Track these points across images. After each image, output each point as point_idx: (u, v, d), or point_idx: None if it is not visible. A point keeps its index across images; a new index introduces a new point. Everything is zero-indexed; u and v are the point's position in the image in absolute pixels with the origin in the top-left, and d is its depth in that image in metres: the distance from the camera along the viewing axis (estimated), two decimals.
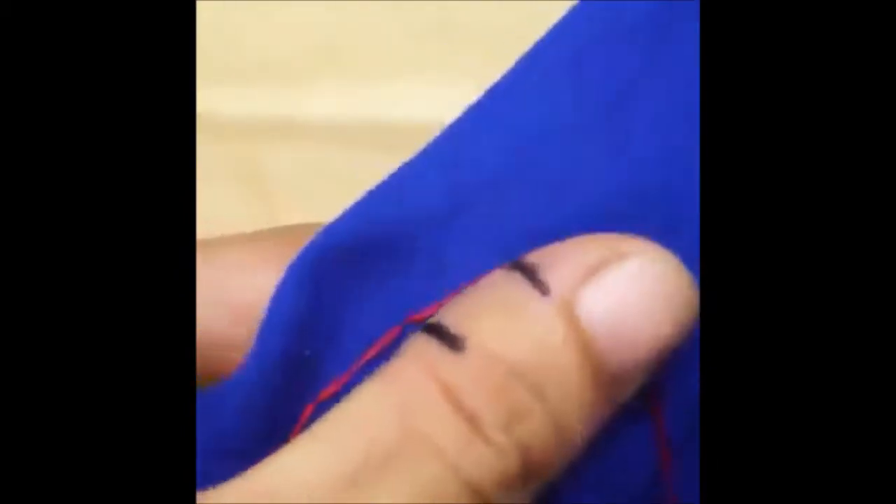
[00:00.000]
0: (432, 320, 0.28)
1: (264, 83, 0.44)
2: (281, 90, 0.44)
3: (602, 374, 0.27)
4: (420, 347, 0.27)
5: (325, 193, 0.34)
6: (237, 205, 0.40)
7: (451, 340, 0.27)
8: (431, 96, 0.42)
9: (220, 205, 0.38)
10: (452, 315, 0.28)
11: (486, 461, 0.26)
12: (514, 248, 0.28)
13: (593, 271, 0.27)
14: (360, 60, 0.47)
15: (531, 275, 0.27)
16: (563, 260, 0.28)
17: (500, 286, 0.28)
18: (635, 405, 0.28)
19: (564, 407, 0.27)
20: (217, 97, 0.40)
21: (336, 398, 0.27)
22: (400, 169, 0.29)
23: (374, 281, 0.28)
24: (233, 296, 0.30)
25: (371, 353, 0.28)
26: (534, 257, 0.28)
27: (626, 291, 0.27)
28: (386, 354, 0.28)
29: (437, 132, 0.30)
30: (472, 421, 0.26)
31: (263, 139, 0.41)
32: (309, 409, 0.28)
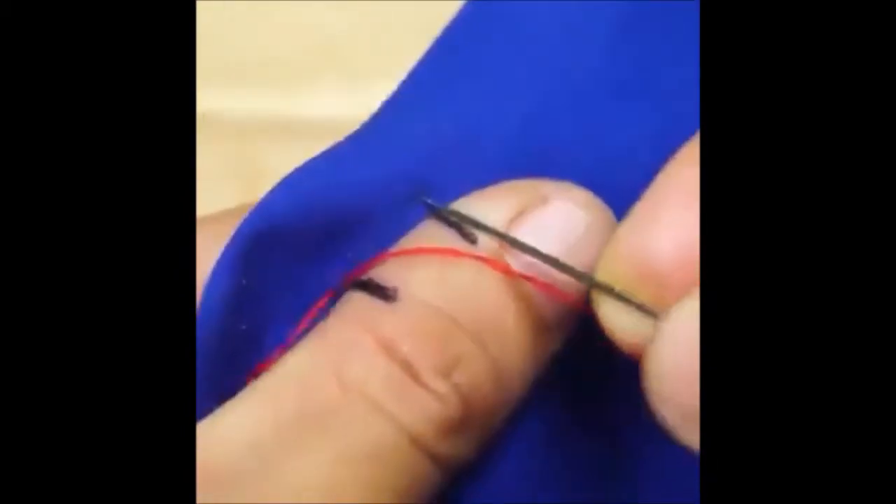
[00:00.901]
0: (364, 276, 0.28)
1: (264, 83, 0.44)
2: (281, 90, 0.44)
3: (534, 314, 0.27)
4: (353, 303, 0.27)
5: None
6: (236, 205, 0.40)
7: (383, 292, 0.27)
8: None
9: (220, 204, 0.38)
10: (383, 269, 0.28)
11: (424, 408, 0.26)
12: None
13: (519, 215, 0.27)
14: (360, 60, 0.47)
15: (458, 225, 0.28)
16: (488, 207, 0.28)
17: (428, 238, 0.28)
18: None
19: (501, 349, 0.27)
20: (217, 97, 0.40)
21: None
22: (334, 148, 0.29)
23: (310, 257, 0.28)
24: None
25: (307, 319, 0.28)
26: (459, 206, 0.28)
27: (552, 233, 0.27)
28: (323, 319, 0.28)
29: None
30: (408, 368, 0.26)
31: (263, 139, 0.41)
32: (249, 381, 0.28)
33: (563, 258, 0.27)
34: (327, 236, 0.28)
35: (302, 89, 0.44)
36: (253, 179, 0.41)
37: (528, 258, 0.27)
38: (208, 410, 0.26)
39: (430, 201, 0.28)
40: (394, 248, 0.28)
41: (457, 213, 0.28)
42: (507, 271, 0.27)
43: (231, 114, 0.41)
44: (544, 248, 0.27)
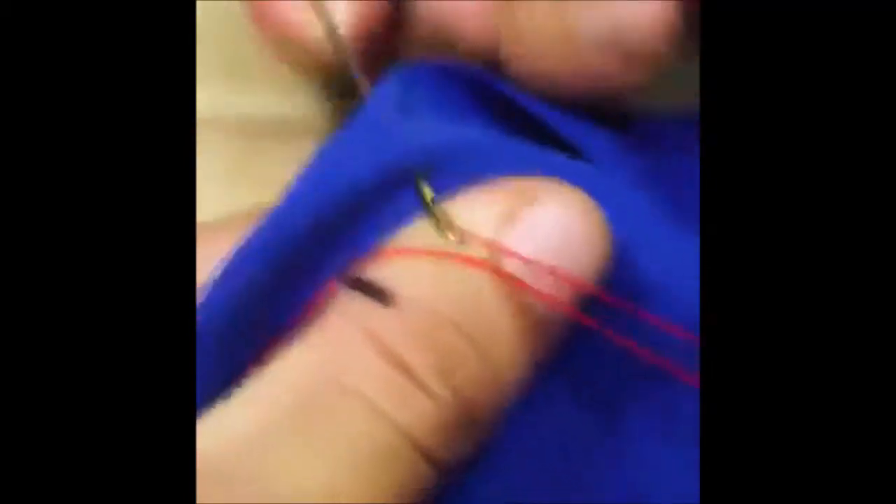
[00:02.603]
0: (358, 275, 0.28)
1: (264, 83, 0.44)
2: (281, 90, 0.44)
3: (527, 316, 0.27)
4: (347, 302, 0.27)
5: None
6: (237, 204, 0.40)
7: (379, 294, 0.27)
8: None
9: (220, 204, 0.38)
10: (380, 268, 0.28)
11: (422, 410, 0.26)
12: None
13: (510, 217, 0.28)
14: None
15: (449, 225, 0.28)
16: (480, 208, 0.28)
17: (426, 237, 0.28)
18: None
19: (497, 351, 0.27)
20: (217, 97, 0.40)
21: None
22: (332, 142, 0.30)
23: (308, 250, 0.28)
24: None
25: (305, 315, 0.28)
26: (450, 207, 0.28)
27: (543, 234, 0.27)
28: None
29: None
30: (405, 370, 0.26)
31: (263, 139, 0.41)
32: (247, 373, 0.28)
33: (551, 260, 0.27)
34: (325, 229, 0.28)
35: (302, 89, 0.44)
36: (253, 179, 0.41)
37: (521, 260, 0.27)
38: (205, 409, 0.27)
39: (425, 198, 0.28)
40: (390, 246, 0.28)
41: (446, 214, 0.28)
42: (499, 274, 0.27)
43: (231, 114, 0.41)
44: (534, 250, 0.27)
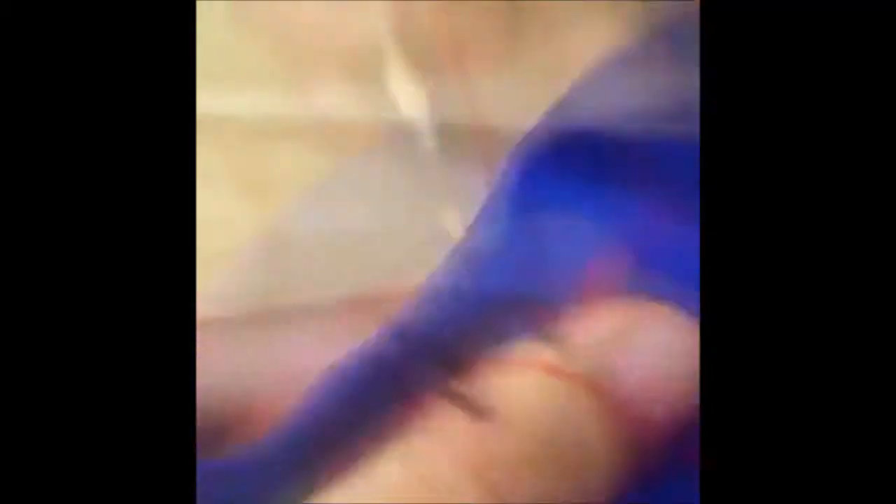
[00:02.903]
0: (457, 389, 0.27)
1: (264, 83, 0.44)
2: (281, 90, 0.44)
3: (628, 442, 0.27)
4: (440, 417, 0.27)
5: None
6: (237, 205, 0.40)
7: (477, 411, 0.27)
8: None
9: (220, 205, 0.38)
10: (478, 384, 0.27)
11: None
12: None
13: (615, 340, 0.28)
14: (360, 60, 0.47)
15: (557, 345, 0.28)
16: (585, 330, 0.28)
17: (524, 352, 0.28)
18: None
19: (593, 479, 0.27)
20: (217, 97, 0.40)
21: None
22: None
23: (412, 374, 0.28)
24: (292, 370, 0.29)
25: (393, 428, 0.28)
26: (557, 327, 0.28)
27: (647, 359, 0.28)
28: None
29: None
30: (496, 494, 0.26)
31: (264, 140, 0.41)
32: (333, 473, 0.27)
33: (663, 380, 0.28)
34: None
35: (302, 89, 0.44)
36: (253, 179, 0.41)
37: (628, 380, 0.27)
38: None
39: (527, 316, 0.28)
40: (492, 359, 0.28)
41: (555, 333, 0.28)
42: (601, 394, 0.27)
43: (231, 114, 0.41)
44: (637, 372, 0.28)
